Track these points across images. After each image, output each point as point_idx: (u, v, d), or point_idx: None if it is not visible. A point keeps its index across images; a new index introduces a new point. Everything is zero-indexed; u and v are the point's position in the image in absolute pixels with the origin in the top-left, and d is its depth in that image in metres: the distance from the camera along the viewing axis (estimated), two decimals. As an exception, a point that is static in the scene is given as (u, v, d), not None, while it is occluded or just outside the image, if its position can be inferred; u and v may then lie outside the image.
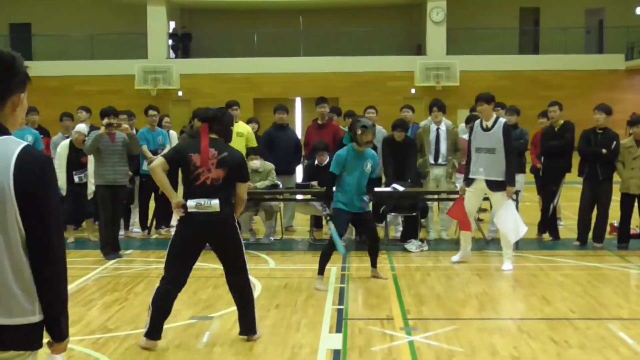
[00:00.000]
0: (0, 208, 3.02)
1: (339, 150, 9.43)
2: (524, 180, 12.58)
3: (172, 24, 38.65)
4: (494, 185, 10.05)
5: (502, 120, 10.21)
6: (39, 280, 3.12)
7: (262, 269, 10.09)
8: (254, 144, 12.44)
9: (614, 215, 11.87)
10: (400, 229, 12.48)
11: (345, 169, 9.12)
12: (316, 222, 13.09)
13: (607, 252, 11.26)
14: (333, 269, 9.81)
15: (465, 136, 11.62)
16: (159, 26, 36.77)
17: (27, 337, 3.12)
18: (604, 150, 11.31)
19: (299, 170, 14.13)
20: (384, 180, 11.72)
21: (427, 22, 36.39)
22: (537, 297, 8.50)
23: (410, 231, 11.91)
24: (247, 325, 6.89)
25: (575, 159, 11.78)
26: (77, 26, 37.11)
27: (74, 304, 8.27)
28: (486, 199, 12.70)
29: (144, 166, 12.62)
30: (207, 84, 35.59)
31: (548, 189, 12.11)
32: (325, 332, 7.15)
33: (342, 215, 9.13)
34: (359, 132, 9.01)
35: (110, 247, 10.93)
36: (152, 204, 12.96)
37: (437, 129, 12.25)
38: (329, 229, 9.00)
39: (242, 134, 12.14)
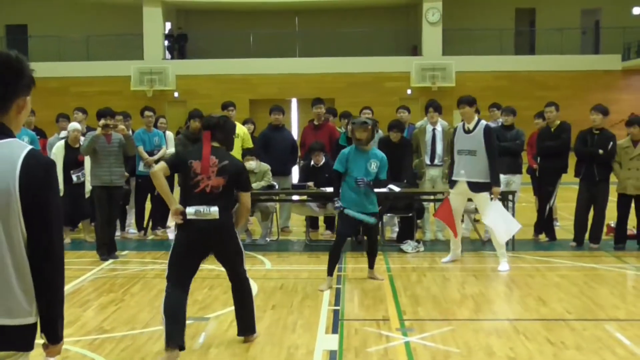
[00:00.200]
0: (5, 209, 3.07)
1: (335, 151, 9.45)
2: (520, 181, 12.59)
3: (168, 25, 38.65)
4: (475, 187, 10.10)
5: (484, 122, 10.24)
6: (39, 281, 3.16)
7: (258, 270, 10.07)
8: (250, 144, 12.44)
9: (611, 215, 11.86)
10: (397, 229, 12.47)
11: (349, 167, 9.12)
12: (312, 223, 13.10)
13: (604, 253, 11.26)
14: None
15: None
16: (155, 27, 36.78)
17: (24, 338, 3.15)
18: (600, 151, 11.31)
19: (295, 171, 14.12)
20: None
21: (422, 22, 36.42)
22: (534, 298, 8.49)
23: (407, 232, 11.91)
24: (247, 325, 6.89)
25: (572, 160, 11.78)
26: (73, 27, 37.11)
27: (70, 305, 8.26)
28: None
29: (140, 167, 12.63)
30: (203, 85, 35.60)
31: (544, 189, 12.11)
32: (322, 333, 7.14)
33: (347, 217, 9.14)
34: (350, 129, 9.04)
35: (106, 248, 10.92)
36: (148, 205, 12.94)
37: (433, 130, 12.25)
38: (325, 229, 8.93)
39: (238, 135, 12.11)
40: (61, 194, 11.68)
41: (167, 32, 38.18)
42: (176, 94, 36.24)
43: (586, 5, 38.16)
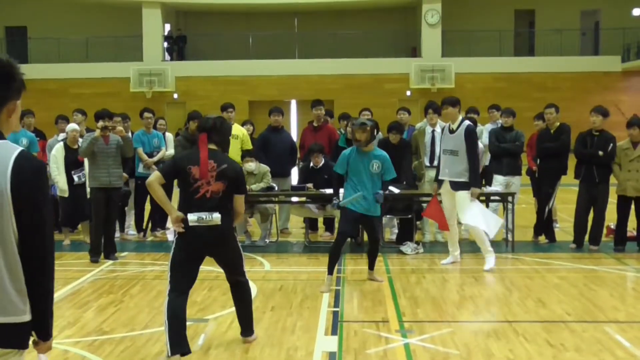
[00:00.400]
0: None
1: (335, 152, 9.45)
2: (520, 183, 12.58)
3: (167, 27, 38.67)
4: (456, 186, 10.23)
5: (467, 123, 10.28)
6: (31, 280, 3.22)
7: (257, 271, 10.07)
8: (249, 146, 12.43)
9: (611, 217, 11.85)
10: (396, 231, 12.46)
11: (350, 169, 9.12)
12: (311, 225, 13.09)
13: (604, 255, 11.24)
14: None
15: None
16: (154, 29, 36.80)
17: (19, 336, 3.22)
18: (600, 152, 11.30)
19: (294, 173, 14.12)
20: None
21: (422, 24, 36.44)
22: (533, 300, 8.48)
23: (406, 233, 11.90)
24: (245, 327, 6.90)
25: (571, 161, 11.77)
26: (73, 29, 37.12)
27: (69, 306, 8.28)
28: (482, 200, 12.76)
29: (140, 169, 12.62)
30: (202, 87, 35.64)
31: (544, 191, 12.10)
32: (321, 335, 7.14)
33: (349, 214, 9.13)
34: (349, 129, 9.04)
35: (99, 251, 10.90)
36: (147, 207, 12.93)
37: (433, 131, 12.24)
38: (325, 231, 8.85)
39: (237, 136, 12.12)
40: (65, 195, 11.81)
41: (166, 33, 38.20)
42: (175, 96, 36.26)
43: (586, 7, 38.16)
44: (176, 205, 6.44)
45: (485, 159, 12.94)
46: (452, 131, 10.28)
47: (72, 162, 11.91)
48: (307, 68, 35.91)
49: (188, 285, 6.43)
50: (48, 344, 3.38)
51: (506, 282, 9.51)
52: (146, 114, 13.01)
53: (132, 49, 36.20)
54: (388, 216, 12.19)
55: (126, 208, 12.88)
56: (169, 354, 6.18)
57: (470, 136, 10.14)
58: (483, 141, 12.90)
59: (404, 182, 11.84)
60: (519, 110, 14.32)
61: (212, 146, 6.44)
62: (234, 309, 7.01)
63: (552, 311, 7.99)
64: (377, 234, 9.61)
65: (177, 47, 38.49)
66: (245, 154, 12.04)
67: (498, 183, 12.26)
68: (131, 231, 13.13)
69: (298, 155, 13.83)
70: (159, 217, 12.93)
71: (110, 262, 10.81)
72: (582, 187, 11.64)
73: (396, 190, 11.36)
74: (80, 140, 11.48)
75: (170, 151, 12.76)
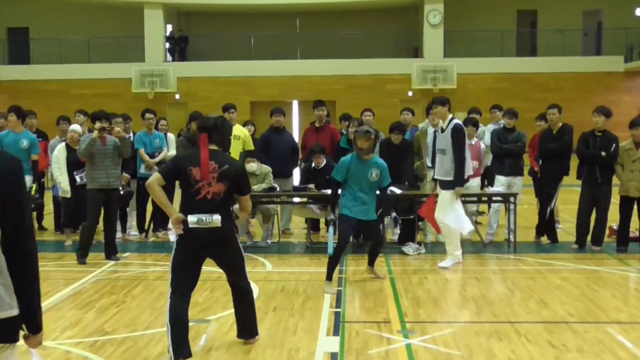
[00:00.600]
0: None
1: (336, 153, 9.41)
2: (522, 183, 12.56)
3: (169, 27, 38.68)
4: (442, 184, 10.40)
5: (455, 121, 10.31)
6: (17, 275, 3.27)
7: (259, 272, 10.07)
8: (251, 146, 12.44)
9: (613, 218, 11.84)
10: (398, 231, 12.44)
11: (349, 176, 9.09)
12: (313, 225, 13.09)
13: (606, 255, 11.23)
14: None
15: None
16: (156, 29, 36.81)
17: (9, 330, 3.25)
18: (602, 153, 11.27)
19: (296, 173, 14.11)
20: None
21: (424, 24, 36.42)
22: (535, 300, 8.47)
23: (408, 234, 11.88)
24: (249, 328, 6.87)
25: (574, 162, 11.74)
26: (75, 30, 37.14)
27: (71, 307, 8.28)
28: (484, 201, 12.76)
29: (142, 169, 12.62)
30: (203, 87, 35.65)
31: (545, 191, 12.08)
32: (323, 335, 7.13)
33: (347, 220, 9.10)
34: (353, 137, 9.01)
35: (87, 252, 10.90)
36: (149, 207, 12.93)
37: (435, 132, 12.22)
38: (326, 232, 8.93)
39: (239, 136, 12.12)
40: (68, 195, 11.82)
41: (168, 34, 38.21)
42: (177, 96, 36.28)
43: (588, 7, 38.13)
44: (178, 206, 6.42)
45: (488, 160, 12.94)
46: (442, 130, 10.39)
47: (74, 162, 11.90)
48: (308, 68, 35.91)
49: (190, 287, 6.40)
50: (38, 337, 3.42)
51: (508, 282, 9.50)
52: (148, 115, 13.01)
53: (134, 49, 36.23)
54: (394, 215, 12.14)
55: (128, 209, 12.89)
56: (172, 359, 6.14)
57: (457, 135, 10.17)
58: (485, 142, 12.90)
59: (406, 183, 11.82)
60: (521, 110, 14.29)
61: (213, 146, 6.38)
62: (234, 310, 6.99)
63: (554, 312, 7.97)
64: (378, 235, 9.60)
65: (179, 48, 38.51)
66: (247, 155, 12.04)
67: (500, 183, 12.25)
68: (133, 232, 13.14)
69: (300, 156, 13.82)
70: (161, 218, 12.92)
71: (112, 262, 10.82)
72: (584, 187, 11.62)
73: (398, 191, 11.35)
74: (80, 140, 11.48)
75: (172, 152, 12.76)
